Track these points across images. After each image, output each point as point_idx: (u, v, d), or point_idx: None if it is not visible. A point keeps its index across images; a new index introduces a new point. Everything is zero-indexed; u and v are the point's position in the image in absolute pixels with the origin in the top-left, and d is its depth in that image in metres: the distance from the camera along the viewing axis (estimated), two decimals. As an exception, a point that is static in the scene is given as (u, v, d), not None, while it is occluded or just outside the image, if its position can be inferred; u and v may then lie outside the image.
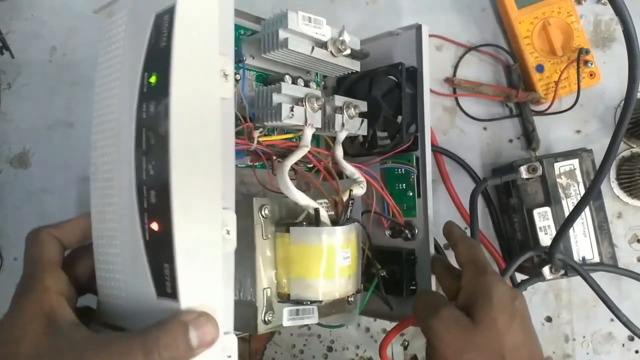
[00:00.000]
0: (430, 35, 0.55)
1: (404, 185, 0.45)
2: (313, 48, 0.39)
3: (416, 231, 0.44)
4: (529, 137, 0.53)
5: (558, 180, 0.49)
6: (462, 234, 0.42)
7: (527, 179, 0.49)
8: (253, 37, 0.41)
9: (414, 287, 0.43)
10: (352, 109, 0.40)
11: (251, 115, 0.38)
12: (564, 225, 0.40)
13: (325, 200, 0.40)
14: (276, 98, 0.37)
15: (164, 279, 0.28)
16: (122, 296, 0.31)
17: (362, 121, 0.42)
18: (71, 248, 0.35)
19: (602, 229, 0.49)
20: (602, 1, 0.54)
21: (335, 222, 0.37)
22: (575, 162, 0.49)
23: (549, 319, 0.54)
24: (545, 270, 0.46)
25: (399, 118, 0.44)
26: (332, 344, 0.55)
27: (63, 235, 0.34)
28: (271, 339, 0.56)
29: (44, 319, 0.29)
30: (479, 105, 0.55)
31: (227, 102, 0.30)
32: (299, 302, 0.37)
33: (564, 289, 0.54)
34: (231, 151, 0.31)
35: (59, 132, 0.57)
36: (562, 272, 0.47)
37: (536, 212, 0.49)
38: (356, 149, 0.47)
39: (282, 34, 0.38)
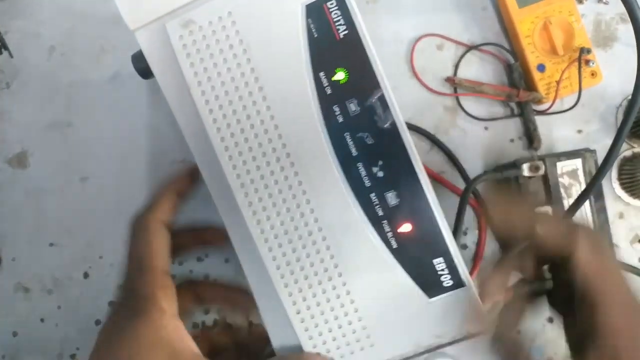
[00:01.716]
0: (430, 35, 0.55)
1: None
2: None
3: None
4: (530, 136, 0.53)
5: (560, 179, 0.49)
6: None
7: (529, 177, 0.49)
8: None
9: None
10: None
11: None
12: (570, 211, 0.41)
13: None
14: None
15: (436, 275, 0.27)
16: (367, 329, 0.29)
17: None
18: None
19: (602, 230, 0.49)
20: (604, 0, 0.54)
21: None
22: (578, 162, 0.49)
23: (550, 320, 0.53)
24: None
25: None
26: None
27: (169, 219, 0.31)
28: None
29: (166, 348, 0.26)
30: (480, 105, 0.54)
31: None
32: None
33: (566, 289, 0.53)
34: None
35: (57, 131, 0.57)
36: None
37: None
38: None
39: None
